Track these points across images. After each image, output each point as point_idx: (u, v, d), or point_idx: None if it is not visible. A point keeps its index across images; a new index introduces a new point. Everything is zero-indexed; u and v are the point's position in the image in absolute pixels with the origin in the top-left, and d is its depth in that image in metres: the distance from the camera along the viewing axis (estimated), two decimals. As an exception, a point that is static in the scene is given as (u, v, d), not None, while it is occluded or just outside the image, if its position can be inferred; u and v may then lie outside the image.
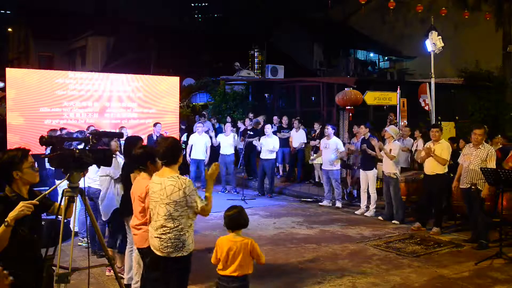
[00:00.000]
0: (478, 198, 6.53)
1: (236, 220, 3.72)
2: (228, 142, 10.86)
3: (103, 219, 5.45)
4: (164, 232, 3.60)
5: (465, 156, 6.80)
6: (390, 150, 8.03)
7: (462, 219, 7.77)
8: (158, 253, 3.67)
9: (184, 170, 11.84)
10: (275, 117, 12.79)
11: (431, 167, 7.35)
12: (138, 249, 4.21)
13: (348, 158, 9.75)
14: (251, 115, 12.78)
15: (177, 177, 3.62)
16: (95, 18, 29.07)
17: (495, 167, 6.41)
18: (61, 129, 8.94)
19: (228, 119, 13.05)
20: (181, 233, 3.60)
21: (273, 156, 10.53)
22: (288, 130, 12.07)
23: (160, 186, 3.63)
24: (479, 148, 6.58)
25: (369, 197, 8.75)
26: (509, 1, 16.01)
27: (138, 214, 4.11)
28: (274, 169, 10.86)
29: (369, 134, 8.86)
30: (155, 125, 10.63)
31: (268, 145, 10.36)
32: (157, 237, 3.64)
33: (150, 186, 3.77)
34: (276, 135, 11.33)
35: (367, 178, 8.71)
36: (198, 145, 10.84)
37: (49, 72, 10.76)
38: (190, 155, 10.85)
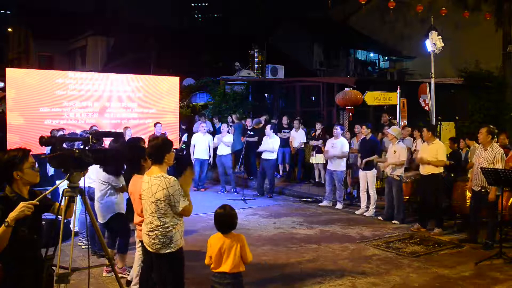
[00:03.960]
0: (491, 202, 6.44)
1: (223, 223, 3.73)
2: (223, 143, 10.84)
3: (100, 221, 5.42)
4: (151, 229, 3.74)
5: (476, 158, 6.77)
6: (395, 151, 8.00)
7: (462, 219, 7.77)
8: (148, 249, 3.81)
9: (181, 170, 11.85)
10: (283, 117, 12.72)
11: (426, 168, 7.38)
12: (142, 241, 4.29)
13: (348, 158, 9.75)
14: (229, 118, 12.82)
15: (162, 176, 3.72)
16: (95, 18, 29.05)
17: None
18: (61, 129, 8.95)
19: (229, 119, 13.06)
20: (167, 230, 3.71)
21: (274, 156, 10.51)
22: (288, 130, 12.07)
23: (148, 185, 3.77)
24: (487, 149, 6.53)
25: (369, 197, 8.75)
26: (509, 1, 15.98)
27: (140, 213, 4.22)
28: (274, 169, 10.84)
29: (370, 134, 8.85)
30: (155, 125, 10.65)
31: (268, 145, 10.36)
32: (146, 234, 3.79)
33: (142, 185, 3.88)
34: (276, 134, 11.32)
35: (367, 178, 8.71)
36: (200, 145, 10.87)
37: (49, 72, 10.75)
38: (193, 155, 10.89)
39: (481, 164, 6.51)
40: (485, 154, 6.53)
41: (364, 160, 8.65)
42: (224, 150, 10.87)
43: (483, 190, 6.53)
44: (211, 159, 11.08)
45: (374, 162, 8.73)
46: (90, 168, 3.43)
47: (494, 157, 6.42)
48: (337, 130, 9.37)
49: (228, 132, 11.20)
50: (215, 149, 11.03)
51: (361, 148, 9.01)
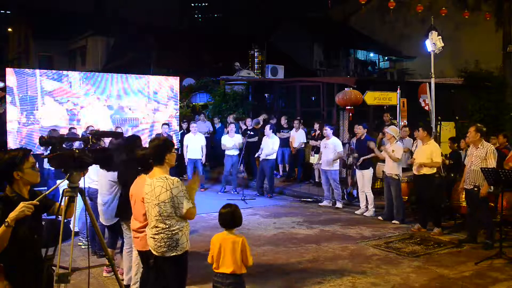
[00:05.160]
0: (482, 199, 6.51)
1: (228, 219, 3.75)
2: (233, 143, 10.85)
3: (105, 224, 5.40)
4: (157, 232, 3.65)
5: (468, 157, 6.84)
6: (393, 151, 8.03)
7: (462, 219, 7.77)
8: (154, 252, 3.73)
9: (181, 170, 11.85)
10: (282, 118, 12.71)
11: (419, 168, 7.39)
12: (140, 252, 4.17)
13: (348, 158, 9.75)
14: (229, 119, 12.84)
15: (165, 177, 3.64)
16: (95, 18, 29.06)
17: (495, 165, 6.42)
18: (72, 128, 8.98)
19: (229, 119, 13.05)
20: (173, 232, 3.63)
21: (273, 156, 10.51)
22: (287, 130, 12.06)
23: (150, 187, 3.67)
24: (479, 147, 6.60)
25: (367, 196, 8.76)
26: (509, 1, 15.99)
27: (141, 216, 4.04)
28: (273, 169, 10.84)
29: (365, 135, 8.86)
30: (162, 125, 10.71)
31: (268, 146, 10.35)
32: (152, 237, 3.69)
33: (144, 188, 3.78)
34: (275, 134, 11.33)
35: (363, 178, 8.71)
36: (193, 145, 10.87)
37: (49, 72, 10.77)
38: (186, 155, 10.86)
39: (473, 162, 6.60)
40: (477, 152, 6.60)
41: (361, 159, 8.68)
42: (234, 151, 10.86)
43: (475, 189, 6.58)
44: (203, 158, 11.07)
45: (371, 162, 8.75)
46: (90, 168, 3.42)
47: (486, 153, 6.49)
48: (327, 130, 9.43)
49: (237, 132, 11.20)
50: (222, 150, 11.00)
51: (357, 148, 9.03)
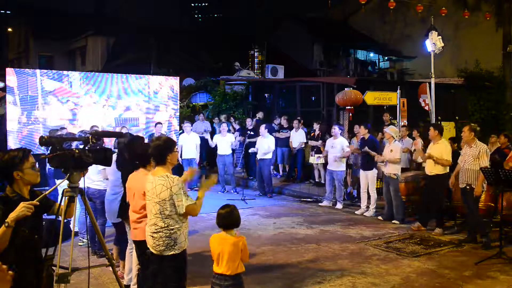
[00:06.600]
0: (474, 198, 6.56)
1: (227, 219, 3.75)
2: (225, 143, 10.84)
3: (112, 221, 5.39)
4: (156, 231, 3.67)
5: (461, 156, 6.92)
6: (391, 150, 8.03)
7: (462, 219, 7.77)
8: (152, 251, 3.74)
9: (179, 171, 11.86)
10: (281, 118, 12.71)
11: (430, 168, 7.38)
12: (138, 242, 4.15)
13: (348, 158, 9.75)
14: (223, 116, 12.84)
15: (167, 176, 3.67)
16: (95, 18, 29.06)
17: (487, 164, 6.46)
18: (62, 128, 8.93)
19: (223, 118, 13.04)
20: (172, 231, 3.65)
21: (269, 156, 10.49)
22: (286, 130, 12.05)
23: (152, 185, 3.71)
24: (472, 146, 6.67)
25: (369, 197, 8.75)
26: (509, 1, 16.01)
27: (140, 208, 4.09)
28: (270, 169, 10.81)
29: (369, 134, 8.86)
30: (156, 125, 10.66)
31: (263, 145, 10.34)
32: (150, 235, 3.72)
33: (146, 185, 3.82)
34: (271, 134, 11.34)
35: (367, 178, 8.71)
36: (188, 145, 10.86)
37: (49, 72, 10.76)
38: (181, 156, 10.84)
39: (466, 161, 6.67)
40: (470, 151, 6.66)
41: (363, 150, 8.66)
42: (226, 150, 10.85)
43: (467, 188, 6.63)
44: (198, 158, 11.05)
45: (375, 162, 8.74)
46: (90, 168, 3.42)
47: (479, 152, 6.55)
48: (336, 129, 9.39)
49: (229, 131, 11.17)
50: (214, 149, 11.00)
51: (360, 148, 9.02)
